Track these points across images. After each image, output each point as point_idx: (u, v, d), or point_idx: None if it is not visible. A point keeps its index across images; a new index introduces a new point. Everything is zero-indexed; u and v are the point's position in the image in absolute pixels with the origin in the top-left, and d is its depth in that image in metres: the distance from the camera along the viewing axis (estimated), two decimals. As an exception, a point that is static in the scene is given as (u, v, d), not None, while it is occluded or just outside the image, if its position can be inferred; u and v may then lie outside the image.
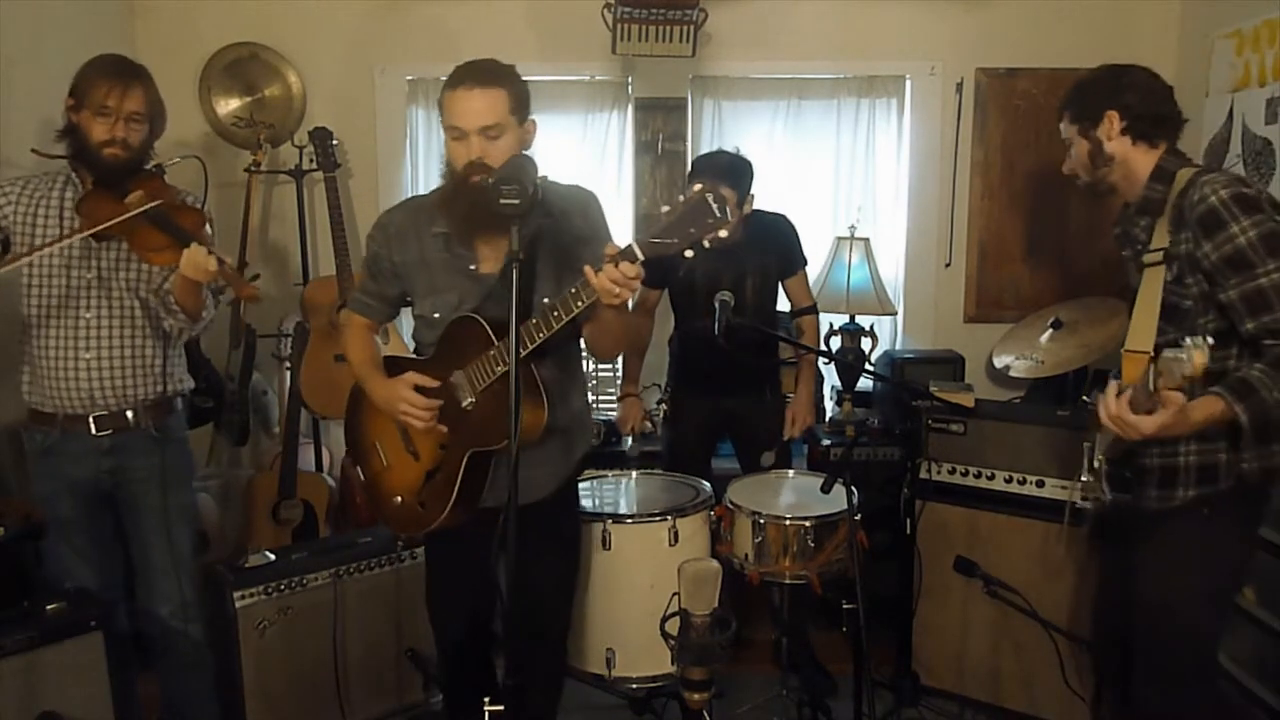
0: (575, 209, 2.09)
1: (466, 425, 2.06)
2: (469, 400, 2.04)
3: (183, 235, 2.32)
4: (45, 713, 2.27)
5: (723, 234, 1.69)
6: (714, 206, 1.68)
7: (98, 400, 2.40)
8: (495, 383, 1.98)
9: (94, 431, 2.41)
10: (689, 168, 3.77)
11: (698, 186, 1.70)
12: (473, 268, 2.08)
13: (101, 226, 2.26)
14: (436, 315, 2.10)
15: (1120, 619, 2.15)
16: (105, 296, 2.40)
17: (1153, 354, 1.88)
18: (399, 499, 2.21)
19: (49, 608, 2.36)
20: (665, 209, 1.72)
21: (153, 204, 2.30)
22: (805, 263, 3.22)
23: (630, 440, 3.18)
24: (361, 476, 2.33)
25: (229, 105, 3.71)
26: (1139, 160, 2.06)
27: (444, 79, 2.02)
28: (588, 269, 1.79)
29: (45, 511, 2.47)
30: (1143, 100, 2.04)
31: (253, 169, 3.50)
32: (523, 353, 1.86)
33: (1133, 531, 2.10)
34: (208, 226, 2.42)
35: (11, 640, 2.24)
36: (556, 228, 2.05)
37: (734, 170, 2.89)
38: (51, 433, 2.41)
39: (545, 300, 1.95)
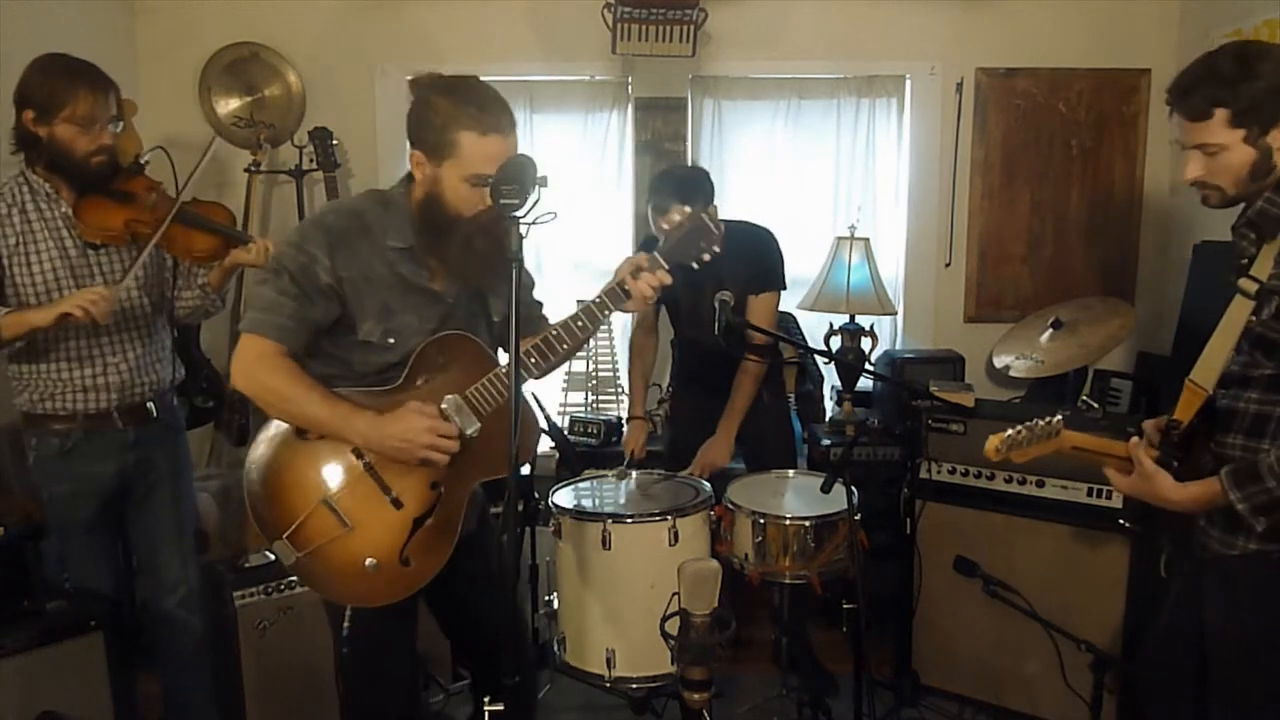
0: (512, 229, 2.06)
1: (471, 455, 1.87)
2: (474, 427, 1.85)
3: (229, 233, 2.44)
4: (45, 713, 2.27)
5: (716, 249, 1.91)
6: (710, 226, 1.90)
7: (126, 396, 2.42)
8: (506, 404, 1.85)
9: (120, 426, 2.42)
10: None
11: (696, 210, 1.95)
12: (428, 285, 1.91)
13: (153, 241, 2.32)
14: (391, 341, 1.87)
15: (1180, 653, 1.96)
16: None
17: (1210, 393, 1.76)
18: (371, 562, 1.86)
19: (49, 608, 2.36)
20: (668, 227, 1.93)
21: (178, 205, 2.36)
22: (780, 286, 3.01)
23: (628, 461, 3.03)
24: (294, 554, 1.84)
25: (229, 105, 3.71)
26: None
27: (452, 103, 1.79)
28: (626, 276, 1.87)
29: (59, 513, 2.47)
30: None
31: (253, 169, 3.50)
32: (545, 366, 1.92)
33: (1204, 567, 1.87)
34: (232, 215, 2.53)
35: (11, 640, 2.25)
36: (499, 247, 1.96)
37: (684, 187, 2.82)
38: (73, 432, 2.39)
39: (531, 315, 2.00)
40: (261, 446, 1.89)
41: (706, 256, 1.92)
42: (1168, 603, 2.03)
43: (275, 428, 1.90)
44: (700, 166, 2.97)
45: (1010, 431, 1.69)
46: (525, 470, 2.87)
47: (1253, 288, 1.72)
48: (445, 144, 1.79)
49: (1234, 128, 1.67)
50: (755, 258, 2.99)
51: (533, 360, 1.90)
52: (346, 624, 1.93)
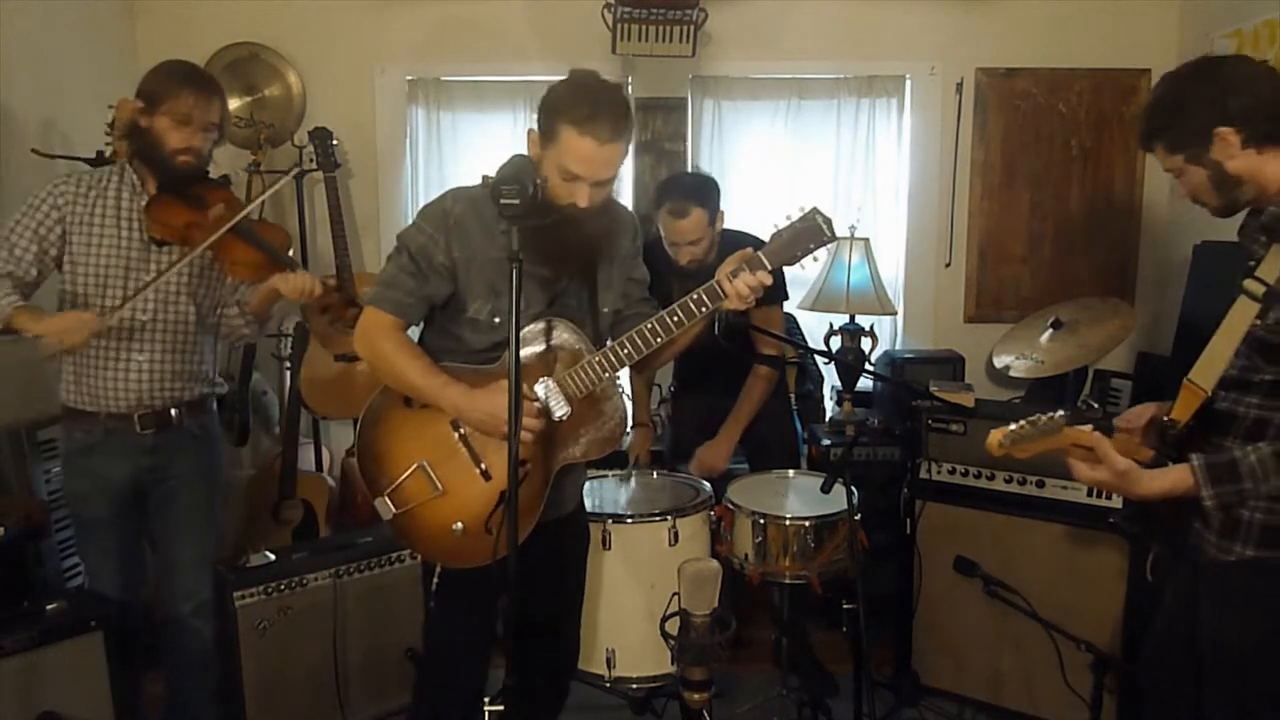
0: (628, 226, 2.12)
1: (560, 438, 1.98)
2: (563, 411, 1.94)
3: (275, 254, 2.40)
4: (45, 713, 2.27)
5: (826, 251, 1.89)
6: (823, 227, 1.84)
7: (145, 400, 2.40)
8: (591, 393, 1.95)
9: (139, 430, 2.41)
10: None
11: (811, 208, 1.86)
12: (538, 270, 1.96)
13: (205, 245, 2.30)
14: (498, 320, 1.96)
15: (1176, 655, 1.96)
16: (162, 300, 2.40)
17: (1209, 394, 1.76)
18: (458, 526, 1.98)
19: (49, 608, 2.36)
20: (780, 226, 1.87)
21: (241, 215, 2.35)
22: (782, 297, 3.04)
23: (633, 463, 3.08)
24: (392, 509, 2.01)
25: (229, 105, 3.70)
26: (1270, 168, 1.69)
27: (560, 108, 1.82)
28: (722, 276, 1.86)
29: (76, 510, 2.50)
30: (1254, 100, 1.67)
31: (253, 169, 3.50)
32: (636, 358, 1.92)
33: (1199, 571, 1.86)
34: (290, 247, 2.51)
35: (11, 640, 2.25)
36: (615, 240, 2.05)
37: (700, 190, 2.86)
38: (94, 432, 2.40)
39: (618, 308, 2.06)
40: (373, 412, 2.03)
41: (814, 258, 1.89)
42: (1163, 605, 2.02)
43: (387, 395, 2.03)
44: (708, 176, 2.98)
45: (1013, 426, 1.68)
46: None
47: (1259, 289, 1.69)
48: (550, 131, 1.85)
49: (1173, 154, 1.76)
50: None
51: (625, 351, 1.92)
52: (436, 581, 2.09)
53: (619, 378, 2.03)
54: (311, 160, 3.53)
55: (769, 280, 1.87)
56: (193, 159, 2.35)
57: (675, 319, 1.90)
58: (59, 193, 2.34)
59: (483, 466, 1.99)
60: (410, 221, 2.02)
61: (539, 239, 1.83)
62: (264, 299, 2.47)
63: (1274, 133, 1.67)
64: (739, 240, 2.99)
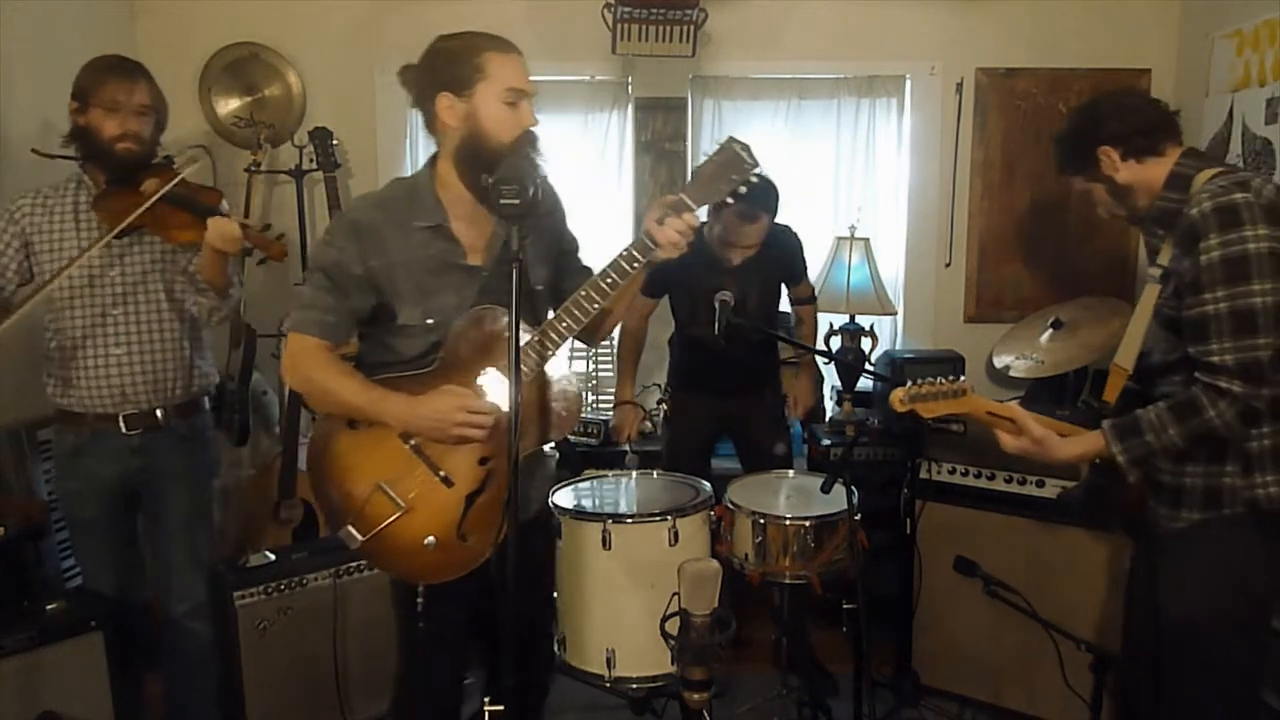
0: (550, 198, 2.08)
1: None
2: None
3: (204, 210, 2.37)
4: (45, 713, 2.28)
5: (754, 179, 1.82)
6: (743, 155, 1.81)
7: (129, 397, 2.41)
8: (539, 374, 1.90)
9: (124, 430, 2.41)
10: (689, 171, 3.79)
11: (726, 138, 1.83)
12: (463, 261, 1.93)
13: (126, 222, 2.28)
14: (430, 321, 1.90)
15: (1148, 639, 2.06)
16: (133, 292, 2.41)
17: (1131, 372, 1.97)
18: (430, 540, 1.90)
19: (49, 608, 2.36)
20: (700, 164, 1.85)
21: (171, 185, 2.33)
22: (807, 270, 3.29)
23: (629, 448, 3.15)
24: (358, 538, 1.91)
25: (229, 105, 3.71)
26: (1152, 174, 1.96)
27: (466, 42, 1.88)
28: (650, 221, 1.82)
29: (69, 510, 2.52)
30: (1124, 120, 1.97)
31: (253, 169, 3.50)
32: (576, 329, 1.88)
33: (1154, 547, 2.00)
34: (225, 203, 2.48)
35: (11, 640, 2.25)
36: (537, 216, 1.98)
37: (772, 196, 2.94)
38: (82, 433, 2.42)
39: (537, 277, 1.99)
40: (319, 441, 1.95)
41: (743, 189, 1.83)
42: (1134, 592, 2.14)
43: (330, 421, 1.95)
44: (770, 179, 2.99)
45: (912, 383, 1.87)
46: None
47: (1158, 272, 1.95)
48: (471, 70, 1.83)
49: (1076, 176, 2.07)
50: (786, 255, 3.18)
51: (564, 324, 1.87)
52: (420, 600, 1.98)
53: (566, 358, 1.99)
54: (311, 160, 3.53)
55: (696, 222, 1.82)
56: (133, 144, 2.35)
57: (609, 281, 1.84)
58: (15, 208, 2.38)
59: (442, 474, 1.91)
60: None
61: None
62: (207, 260, 2.39)
63: (1148, 146, 1.95)
64: (777, 233, 3.09)
